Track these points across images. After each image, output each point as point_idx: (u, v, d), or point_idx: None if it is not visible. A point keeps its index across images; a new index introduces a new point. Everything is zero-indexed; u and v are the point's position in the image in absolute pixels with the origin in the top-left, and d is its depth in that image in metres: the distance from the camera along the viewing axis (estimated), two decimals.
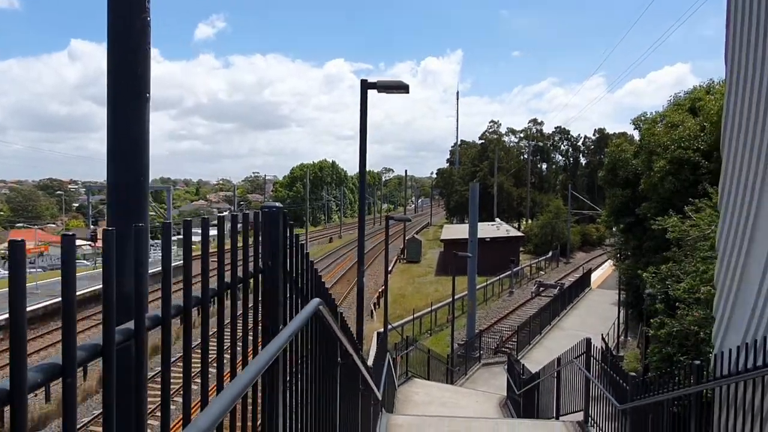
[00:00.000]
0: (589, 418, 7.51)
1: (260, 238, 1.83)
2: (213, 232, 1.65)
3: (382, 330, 21.61)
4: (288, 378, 2.00)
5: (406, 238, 57.66)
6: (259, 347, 1.77)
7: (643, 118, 17.41)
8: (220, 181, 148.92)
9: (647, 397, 5.54)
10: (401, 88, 7.77)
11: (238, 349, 1.70)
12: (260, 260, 1.84)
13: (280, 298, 1.93)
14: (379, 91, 7.97)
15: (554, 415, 9.37)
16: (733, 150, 4.48)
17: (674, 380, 5.30)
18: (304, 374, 2.29)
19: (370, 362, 9.10)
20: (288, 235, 2.01)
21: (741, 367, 4.16)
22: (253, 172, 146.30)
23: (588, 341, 7.83)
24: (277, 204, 1.94)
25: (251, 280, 1.81)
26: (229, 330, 1.63)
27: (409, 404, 13.53)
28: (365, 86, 7.68)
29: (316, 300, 2.32)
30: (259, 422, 1.80)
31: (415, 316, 29.33)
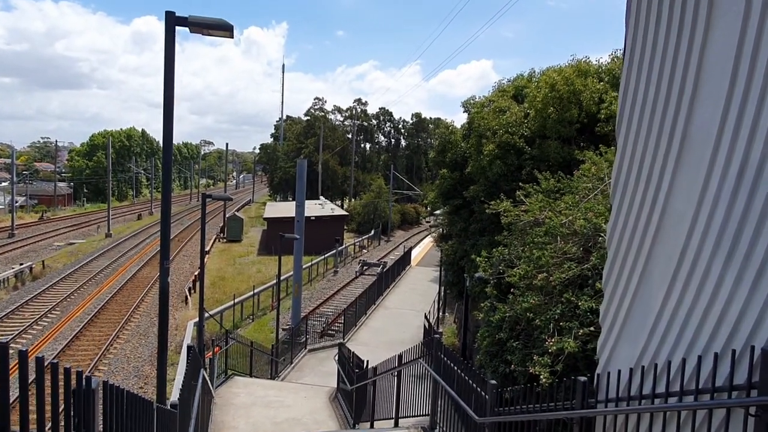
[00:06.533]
0: (437, 426, 6.79)
1: None
2: None
3: (197, 320, 19.30)
4: None
5: (227, 215, 54.11)
6: None
7: (472, 101, 17.73)
8: None
9: (514, 413, 4.82)
10: (223, 28, 5.88)
11: None
12: None
13: None
14: (191, 31, 5.98)
15: (393, 416, 8.62)
16: (633, 133, 3.79)
17: (548, 396, 4.63)
18: None
19: (179, 380, 7.37)
20: None
21: (635, 392, 3.51)
22: (42, 137, 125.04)
23: (435, 340, 7.09)
24: None
25: None
26: None
27: (230, 409, 11.88)
28: (172, 21, 5.65)
29: None
30: None
31: (236, 301, 27.17)
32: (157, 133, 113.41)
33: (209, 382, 10.19)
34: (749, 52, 2.84)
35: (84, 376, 1.60)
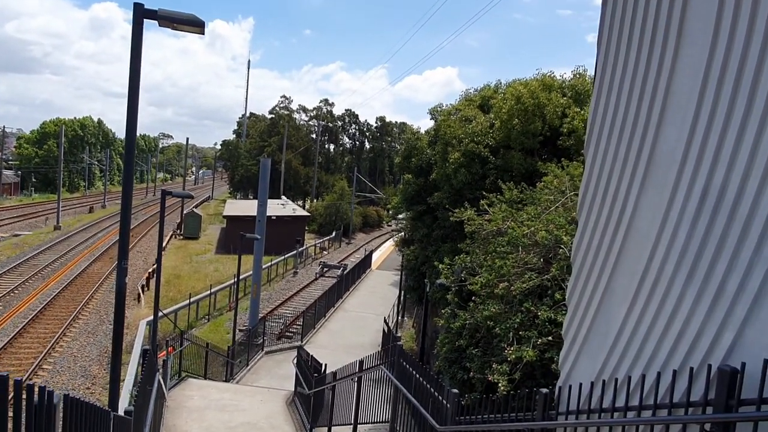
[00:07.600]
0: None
1: None
2: None
3: (151, 318, 18.72)
4: None
5: (185, 211, 52.82)
6: None
7: (439, 109, 17.91)
8: None
9: (475, 423, 4.87)
10: (193, 24, 5.71)
11: None
12: None
13: None
14: (160, 24, 5.79)
15: (352, 422, 8.58)
16: (601, 152, 3.89)
17: (507, 405, 4.69)
18: None
19: (129, 381, 7.09)
20: None
21: (595, 405, 3.60)
22: None
23: (397, 348, 7.10)
24: None
25: None
26: None
27: (183, 412, 11.56)
28: (140, 14, 5.47)
29: None
30: None
31: (191, 300, 26.52)
32: (112, 124, 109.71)
33: (162, 384, 9.91)
34: (714, 81, 2.96)
35: (46, 392, 1.52)
